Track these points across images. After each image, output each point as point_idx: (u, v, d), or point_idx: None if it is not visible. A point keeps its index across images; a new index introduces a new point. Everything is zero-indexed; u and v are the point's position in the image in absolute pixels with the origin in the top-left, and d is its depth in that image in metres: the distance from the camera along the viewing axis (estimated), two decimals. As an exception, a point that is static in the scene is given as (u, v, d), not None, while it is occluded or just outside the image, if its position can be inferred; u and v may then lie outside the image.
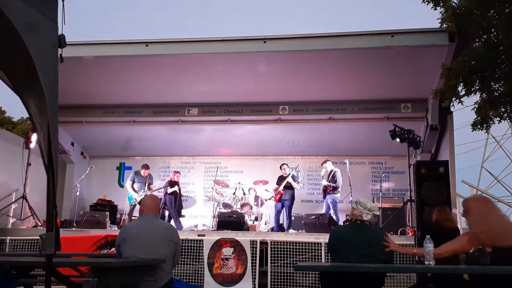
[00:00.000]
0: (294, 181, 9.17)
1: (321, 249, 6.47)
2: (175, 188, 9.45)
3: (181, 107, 9.43)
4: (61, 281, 3.51)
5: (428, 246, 3.17)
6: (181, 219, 10.06)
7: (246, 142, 10.28)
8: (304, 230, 7.96)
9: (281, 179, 9.18)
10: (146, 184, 9.19)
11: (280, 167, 9.30)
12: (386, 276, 6.04)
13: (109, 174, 11.21)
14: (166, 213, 9.46)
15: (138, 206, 8.67)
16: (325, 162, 8.99)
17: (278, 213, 9.10)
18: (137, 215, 4.98)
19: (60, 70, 2.55)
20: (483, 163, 31.12)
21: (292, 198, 9.11)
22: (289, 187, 9.06)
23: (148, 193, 9.00)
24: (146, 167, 9.39)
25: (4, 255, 5.90)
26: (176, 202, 9.39)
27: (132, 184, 9.18)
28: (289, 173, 9.19)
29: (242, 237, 6.80)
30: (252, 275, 6.55)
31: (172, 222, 9.04)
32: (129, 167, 10.91)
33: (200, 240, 6.89)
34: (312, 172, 10.62)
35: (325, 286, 3.56)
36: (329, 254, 3.76)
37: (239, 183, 9.93)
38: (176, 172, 9.91)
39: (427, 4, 6.01)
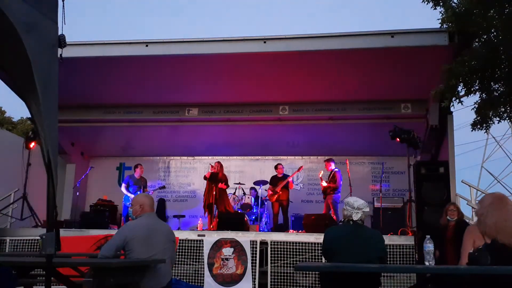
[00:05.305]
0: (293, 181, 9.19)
1: (321, 249, 6.46)
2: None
3: (181, 107, 9.42)
4: (61, 281, 3.51)
5: (428, 246, 3.18)
6: (181, 219, 10.07)
7: (246, 142, 10.27)
8: (304, 230, 7.95)
9: (277, 179, 9.13)
10: (142, 188, 9.15)
11: (276, 167, 9.27)
12: (386, 276, 6.08)
13: (109, 174, 11.21)
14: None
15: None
16: (328, 161, 8.96)
17: (276, 214, 9.08)
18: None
19: (60, 70, 2.55)
20: (483, 163, 31.13)
21: (288, 198, 9.09)
22: (285, 187, 9.05)
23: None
24: (140, 166, 9.29)
25: (4, 255, 5.90)
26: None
27: (127, 187, 9.16)
28: (286, 174, 9.18)
29: (242, 237, 6.80)
30: (252, 275, 6.55)
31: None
32: (129, 167, 10.89)
33: (200, 240, 6.89)
34: (312, 172, 10.61)
35: (325, 286, 3.56)
36: (324, 257, 3.72)
37: (239, 183, 9.92)
38: (218, 163, 9.16)
39: (427, 3, 6.01)
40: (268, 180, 9.45)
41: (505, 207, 3.00)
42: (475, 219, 4.65)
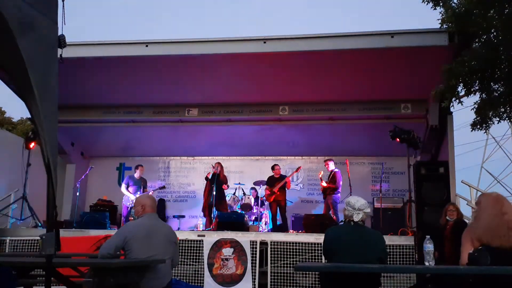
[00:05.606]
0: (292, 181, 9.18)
1: (321, 249, 6.47)
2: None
3: (181, 107, 9.43)
4: (61, 281, 3.51)
5: (428, 246, 3.17)
6: (181, 219, 10.07)
7: (246, 142, 10.27)
8: (304, 231, 7.95)
9: (274, 180, 9.11)
10: (142, 188, 9.14)
11: (273, 168, 9.24)
12: (386, 276, 6.07)
13: (109, 174, 11.21)
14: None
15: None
16: (328, 161, 8.96)
17: (274, 215, 9.07)
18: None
19: (60, 71, 2.55)
20: (483, 163, 31.13)
21: (285, 198, 9.08)
22: (283, 187, 9.05)
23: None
24: (140, 167, 9.27)
25: (4, 255, 5.90)
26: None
27: (127, 187, 9.15)
28: (284, 174, 9.18)
29: (242, 238, 6.80)
30: (252, 275, 6.55)
31: None
32: (129, 167, 10.90)
33: (200, 241, 6.89)
34: (312, 172, 10.61)
35: (325, 286, 3.56)
36: (324, 256, 3.70)
37: (239, 183, 9.92)
38: (218, 163, 9.14)
39: (427, 4, 6.01)
40: (268, 181, 9.46)
41: (500, 209, 3.00)
42: None
